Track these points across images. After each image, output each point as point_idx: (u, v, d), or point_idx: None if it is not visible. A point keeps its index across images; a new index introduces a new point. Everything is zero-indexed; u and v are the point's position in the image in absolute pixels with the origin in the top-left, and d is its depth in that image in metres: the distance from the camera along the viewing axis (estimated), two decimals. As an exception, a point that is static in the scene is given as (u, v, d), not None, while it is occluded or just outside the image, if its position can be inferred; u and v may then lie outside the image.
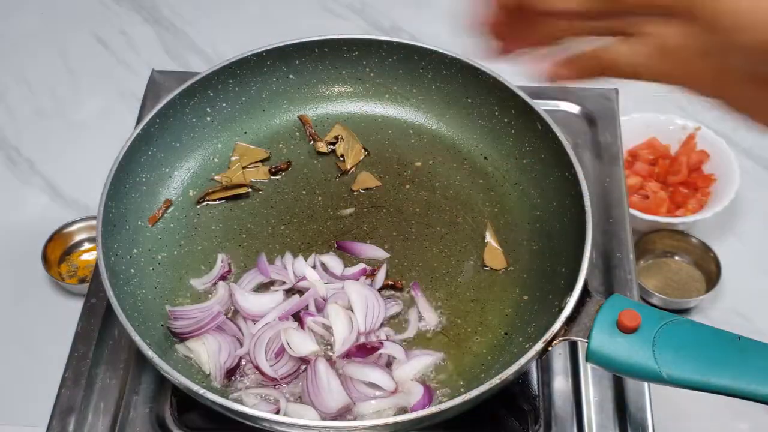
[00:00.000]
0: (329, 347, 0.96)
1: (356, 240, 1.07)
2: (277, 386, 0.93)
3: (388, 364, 0.95)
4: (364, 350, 0.94)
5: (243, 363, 0.95)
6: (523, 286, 1.02)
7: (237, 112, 1.17)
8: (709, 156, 1.55)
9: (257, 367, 0.93)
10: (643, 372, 0.81)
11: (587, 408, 1.00)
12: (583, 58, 0.71)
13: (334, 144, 1.16)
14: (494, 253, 1.05)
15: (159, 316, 0.99)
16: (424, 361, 0.95)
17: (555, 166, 1.04)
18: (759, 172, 1.61)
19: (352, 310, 0.97)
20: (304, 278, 1.01)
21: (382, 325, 0.98)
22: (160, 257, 1.05)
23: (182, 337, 0.97)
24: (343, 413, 0.90)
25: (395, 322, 1.00)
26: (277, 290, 1.01)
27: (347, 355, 0.94)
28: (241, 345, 0.96)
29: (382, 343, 0.94)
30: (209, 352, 0.94)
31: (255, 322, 0.97)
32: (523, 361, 0.84)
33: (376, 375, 0.92)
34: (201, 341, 0.95)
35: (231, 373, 0.94)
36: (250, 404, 0.91)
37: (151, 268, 1.04)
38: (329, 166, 1.15)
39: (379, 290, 1.01)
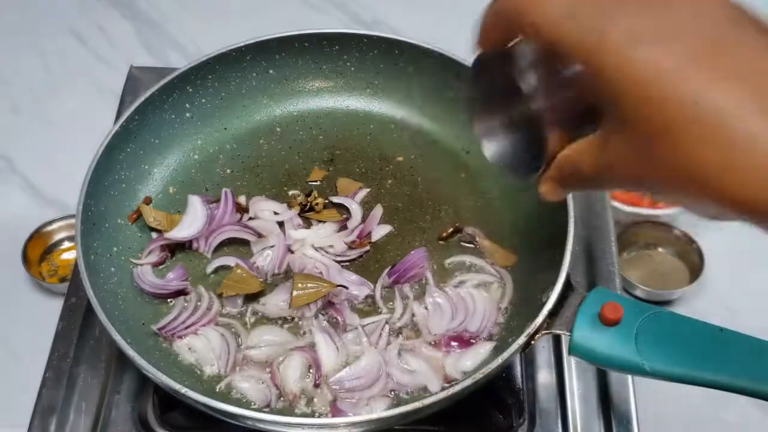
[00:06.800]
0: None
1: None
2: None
3: None
4: (461, 341, 0.96)
5: (242, 352, 0.96)
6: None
7: (217, 108, 1.16)
8: (691, 147, 1.55)
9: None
10: (626, 364, 0.81)
11: (571, 400, 1.00)
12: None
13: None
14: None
15: (140, 315, 0.98)
16: (481, 350, 0.95)
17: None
18: (740, 163, 1.61)
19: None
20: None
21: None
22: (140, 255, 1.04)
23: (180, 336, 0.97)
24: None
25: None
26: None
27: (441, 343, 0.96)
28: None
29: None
30: (214, 346, 0.95)
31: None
32: (506, 354, 0.84)
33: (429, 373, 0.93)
34: (203, 338, 0.96)
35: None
36: (244, 390, 0.92)
37: (131, 266, 1.03)
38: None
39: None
